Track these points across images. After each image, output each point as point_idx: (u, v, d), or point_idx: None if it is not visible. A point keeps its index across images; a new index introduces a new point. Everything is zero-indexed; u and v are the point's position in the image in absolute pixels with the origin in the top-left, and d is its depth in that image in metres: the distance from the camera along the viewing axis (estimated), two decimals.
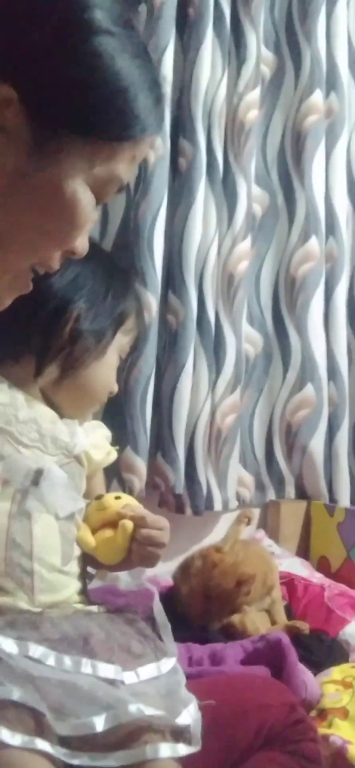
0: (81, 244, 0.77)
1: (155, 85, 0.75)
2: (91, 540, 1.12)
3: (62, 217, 0.73)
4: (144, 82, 0.73)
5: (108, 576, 1.24)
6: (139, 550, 1.11)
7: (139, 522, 1.11)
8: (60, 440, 1.12)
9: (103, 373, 1.18)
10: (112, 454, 1.26)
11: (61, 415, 1.16)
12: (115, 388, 1.23)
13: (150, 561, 1.14)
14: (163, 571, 1.65)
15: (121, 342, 1.20)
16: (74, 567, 1.11)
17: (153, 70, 0.76)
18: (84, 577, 1.14)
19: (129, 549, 1.11)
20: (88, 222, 0.75)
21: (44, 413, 1.13)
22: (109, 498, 1.16)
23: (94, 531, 1.13)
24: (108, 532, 1.12)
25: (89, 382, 1.16)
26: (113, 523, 1.12)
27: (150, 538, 1.10)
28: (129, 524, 1.10)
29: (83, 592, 1.12)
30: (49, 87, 0.68)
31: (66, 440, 1.13)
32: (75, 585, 1.10)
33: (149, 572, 1.70)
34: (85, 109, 0.70)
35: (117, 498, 1.15)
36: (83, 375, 1.15)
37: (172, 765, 0.90)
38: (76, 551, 1.12)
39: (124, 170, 0.75)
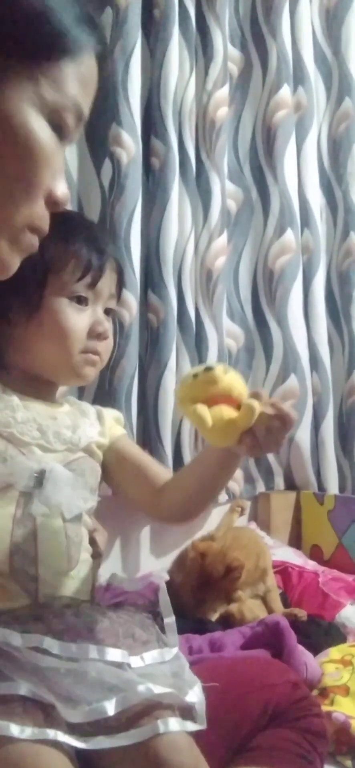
0: (60, 191, 0.74)
1: (81, 1, 0.73)
2: (209, 418, 0.94)
3: (21, 152, 0.70)
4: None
5: (117, 578, 1.22)
6: (265, 436, 0.96)
7: (269, 404, 0.96)
8: (63, 434, 1.10)
9: (64, 310, 1.10)
10: (121, 431, 1.24)
11: (50, 376, 1.13)
12: (99, 329, 1.14)
13: (268, 449, 0.99)
14: (158, 568, 1.64)
15: (70, 287, 1.11)
16: (82, 572, 1.08)
17: None
18: (91, 581, 1.11)
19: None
20: (52, 157, 0.72)
21: (41, 411, 1.11)
22: (220, 371, 0.96)
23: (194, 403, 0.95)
24: (226, 411, 0.95)
25: (53, 319, 1.09)
26: (224, 400, 0.95)
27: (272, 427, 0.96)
28: (258, 406, 0.94)
29: (89, 594, 1.09)
30: None
31: (69, 434, 1.11)
32: (79, 588, 1.07)
33: (144, 569, 1.70)
34: (16, 31, 0.68)
35: (225, 372, 0.97)
36: (45, 316, 1.09)
37: (184, 738, 0.90)
38: (84, 555, 1.09)
39: (77, 94, 0.73)
